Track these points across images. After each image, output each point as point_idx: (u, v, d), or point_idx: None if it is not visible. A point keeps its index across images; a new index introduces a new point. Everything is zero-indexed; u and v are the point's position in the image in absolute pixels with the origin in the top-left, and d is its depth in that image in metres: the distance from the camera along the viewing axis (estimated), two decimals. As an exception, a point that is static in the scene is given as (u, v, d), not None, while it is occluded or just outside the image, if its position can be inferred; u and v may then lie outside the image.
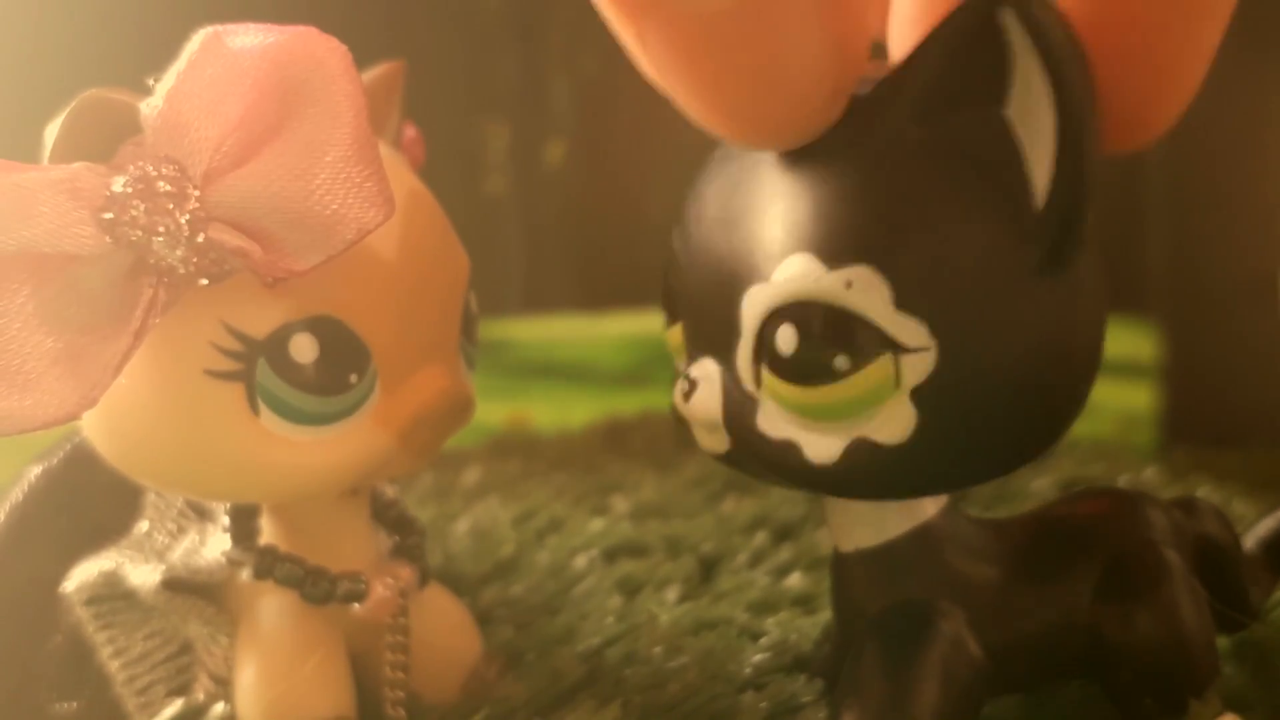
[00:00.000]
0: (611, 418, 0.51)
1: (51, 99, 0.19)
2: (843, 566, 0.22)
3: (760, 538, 0.34)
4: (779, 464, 0.19)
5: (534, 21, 0.58)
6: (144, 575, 0.23)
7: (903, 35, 0.19)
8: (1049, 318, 0.18)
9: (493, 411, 0.54)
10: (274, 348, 0.20)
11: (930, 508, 0.21)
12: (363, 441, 0.21)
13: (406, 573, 0.24)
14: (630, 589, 0.31)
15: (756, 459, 0.20)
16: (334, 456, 0.21)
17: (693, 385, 0.20)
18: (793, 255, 0.18)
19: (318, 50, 0.19)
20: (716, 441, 0.20)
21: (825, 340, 0.18)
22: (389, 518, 0.25)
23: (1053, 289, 0.17)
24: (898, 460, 0.18)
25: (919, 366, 0.17)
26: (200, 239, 0.18)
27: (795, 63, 0.17)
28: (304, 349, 0.20)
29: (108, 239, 0.18)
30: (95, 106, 0.19)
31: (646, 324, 0.56)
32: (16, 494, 0.26)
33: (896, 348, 0.17)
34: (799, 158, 0.19)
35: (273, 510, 0.23)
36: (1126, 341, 0.50)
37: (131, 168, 0.18)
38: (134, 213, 0.18)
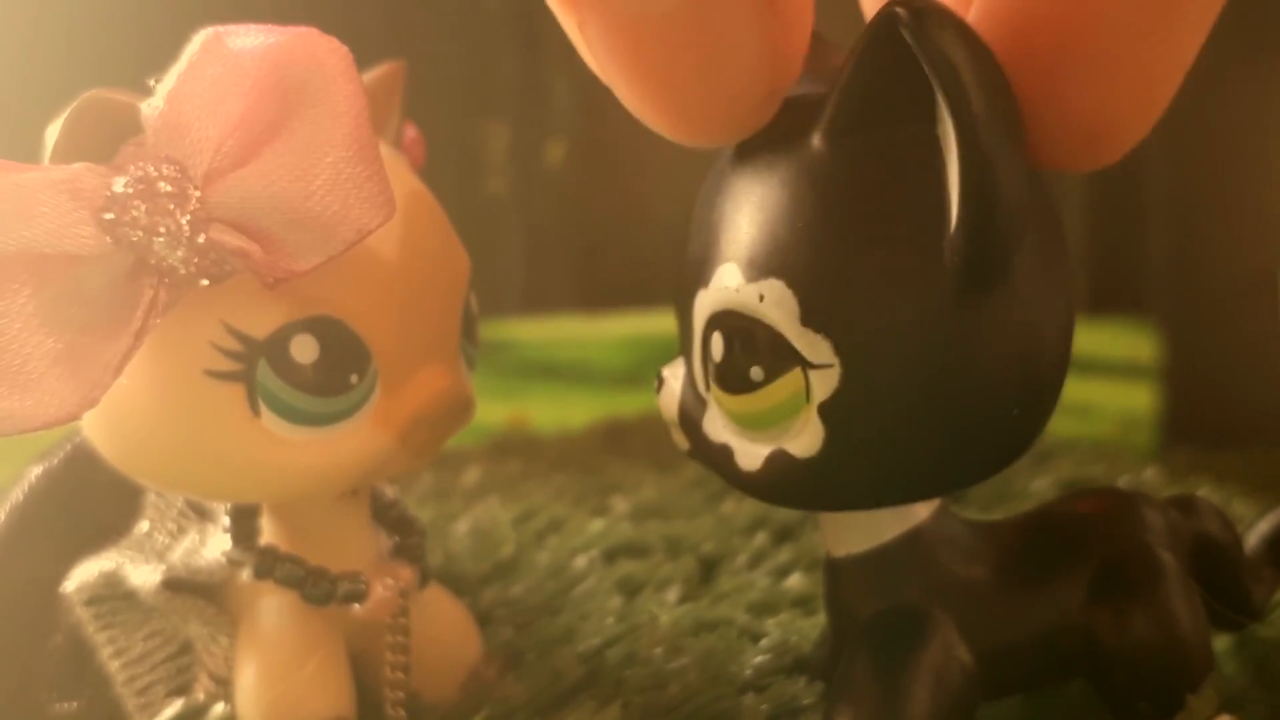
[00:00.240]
0: (612, 418, 0.51)
1: (52, 99, 0.19)
2: (835, 571, 0.22)
3: (760, 538, 0.34)
4: (719, 467, 0.20)
5: (534, 22, 0.58)
6: (144, 575, 0.23)
7: None
8: (968, 343, 0.17)
9: (493, 412, 0.54)
10: (274, 348, 0.20)
11: (922, 511, 0.21)
12: (363, 442, 0.21)
13: (407, 573, 0.24)
14: (630, 589, 0.31)
15: (705, 460, 0.20)
16: (334, 457, 0.21)
17: (661, 383, 0.21)
18: (724, 264, 0.18)
19: (318, 51, 0.19)
20: (680, 439, 0.21)
21: (743, 350, 0.18)
22: (389, 518, 0.25)
23: (973, 314, 0.17)
24: (811, 473, 0.18)
25: (826, 383, 0.17)
26: (201, 239, 0.18)
27: (730, 64, 0.17)
28: (304, 349, 0.20)
29: (108, 239, 0.18)
30: (96, 107, 0.19)
31: (647, 325, 0.56)
32: (17, 494, 0.26)
33: (805, 363, 0.17)
34: (743, 163, 0.19)
35: (273, 510, 0.23)
36: (1126, 342, 0.50)
37: (132, 168, 0.18)
38: (135, 213, 0.18)
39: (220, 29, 0.19)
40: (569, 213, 0.60)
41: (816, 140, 0.17)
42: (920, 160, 0.17)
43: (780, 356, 0.18)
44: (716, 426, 0.19)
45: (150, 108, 0.18)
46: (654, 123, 0.18)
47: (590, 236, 0.60)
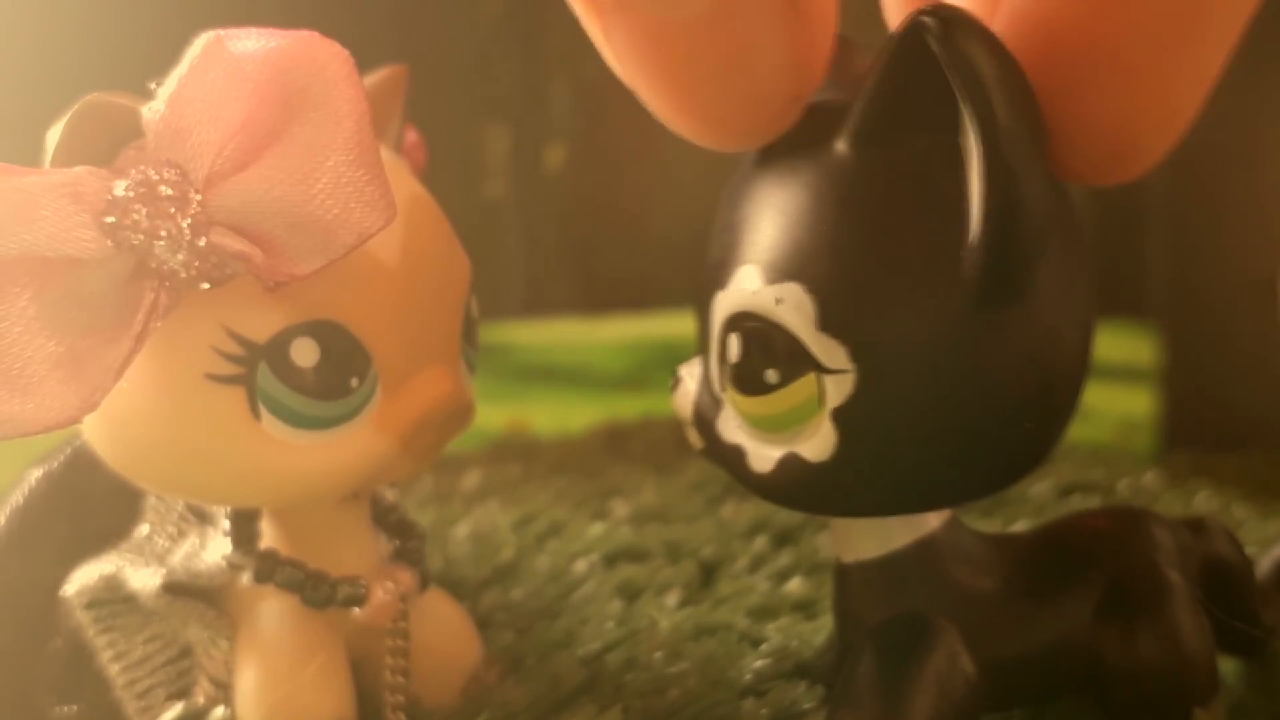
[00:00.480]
0: (612, 422, 0.51)
1: (53, 103, 0.19)
2: (844, 577, 0.22)
3: (760, 543, 0.34)
4: (731, 467, 0.20)
5: (534, 26, 0.58)
6: (144, 579, 0.23)
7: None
8: (988, 352, 0.17)
9: (493, 415, 0.54)
10: (275, 352, 0.20)
11: (933, 520, 0.21)
12: (363, 446, 0.21)
13: (407, 577, 0.24)
14: (630, 594, 0.31)
15: (719, 459, 0.20)
16: (335, 461, 0.21)
17: (678, 381, 0.21)
18: (743, 266, 0.18)
19: (320, 55, 0.19)
20: (694, 437, 0.21)
21: (759, 353, 0.18)
22: (389, 522, 0.25)
23: (994, 322, 0.17)
24: (822, 477, 0.18)
25: (840, 388, 0.17)
26: (202, 243, 0.18)
27: (754, 69, 0.17)
28: (305, 353, 0.20)
29: (109, 243, 0.18)
30: (97, 110, 0.19)
31: (647, 328, 0.56)
32: (17, 497, 0.26)
33: (820, 367, 0.17)
34: (766, 167, 0.19)
35: (273, 514, 0.23)
36: (1126, 346, 0.50)
37: (133, 172, 0.18)
38: (136, 217, 0.18)
39: (221, 32, 0.19)
40: (569, 216, 0.60)
41: (840, 146, 0.18)
42: (942, 170, 0.17)
43: (795, 360, 0.18)
44: (730, 427, 0.19)
45: (151, 111, 0.18)
46: (679, 127, 0.18)
47: (590, 240, 0.60)
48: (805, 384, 0.18)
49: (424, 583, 0.24)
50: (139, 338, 0.18)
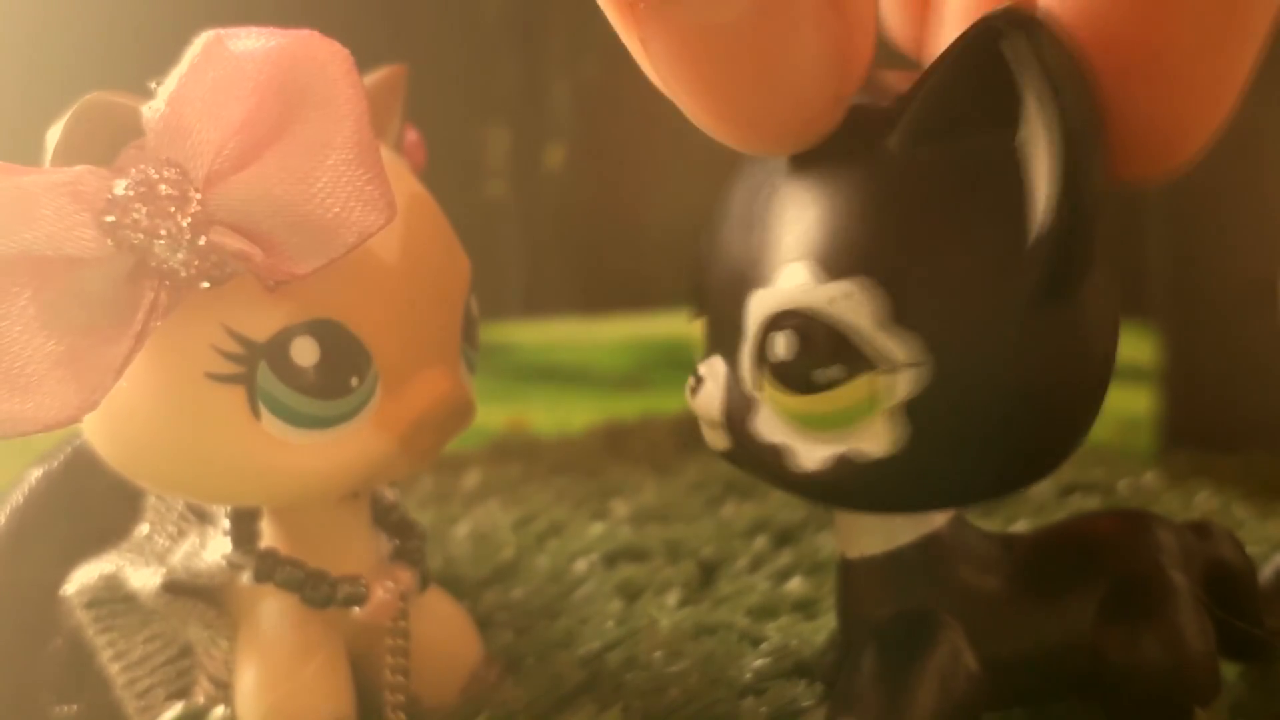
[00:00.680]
0: (611, 421, 0.51)
1: (53, 102, 0.19)
2: (848, 573, 0.22)
3: (760, 542, 0.34)
4: (770, 467, 0.19)
5: (534, 26, 0.58)
6: (144, 578, 0.23)
7: (946, 39, 0.19)
8: (1045, 346, 0.17)
9: (493, 415, 0.54)
10: (275, 351, 0.20)
11: (939, 518, 0.21)
12: (363, 445, 0.21)
13: (407, 576, 0.24)
14: (630, 593, 0.31)
15: (751, 460, 0.20)
16: (335, 460, 0.21)
17: (699, 382, 0.20)
18: (792, 263, 0.18)
19: (319, 54, 0.19)
20: (718, 439, 0.20)
21: (814, 350, 0.18)
22: (389, 521, 0.25)
23: (1051, 317, 0.17)
24: (882, 474, 0.18)
25: (904, 383, 0.17)
26: (202, 242, 0.18)
27: (796, 71, 0.17)
28: (305, 352, 0.20)
29: (109, 242, 0.18)
30: (97, 109, 0.19)
31: (646, 327, 0.56)
32: (17, 497, 0.26)
33: (880, 363, 0.17)
34: (808, 166, 0.19)
35: (273, 513, 0.23)
36: (1126, 346, 0.50)
37: (133, 171, 0.18)
38: (135, 216, 0.18)
39: (221, 32, 0.19)
40: (569, 216, 0.60)
41: (893, 144, 0.18)
42: (998, 166, 0.17)
43: (852, 357, 0.18)
44: (770, 426, 0.19)
45: (151, 110, 0.18)
46: (720, 134, 0.18)
47: (590, 240, 0.60)
48: (864, 381, 0.18)
49: (424, 582, 0.24)
50: (139, 337, 0.18)
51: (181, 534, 0.24)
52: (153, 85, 0.19)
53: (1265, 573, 0.25)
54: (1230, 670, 0.24)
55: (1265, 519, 0.35)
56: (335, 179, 0.18)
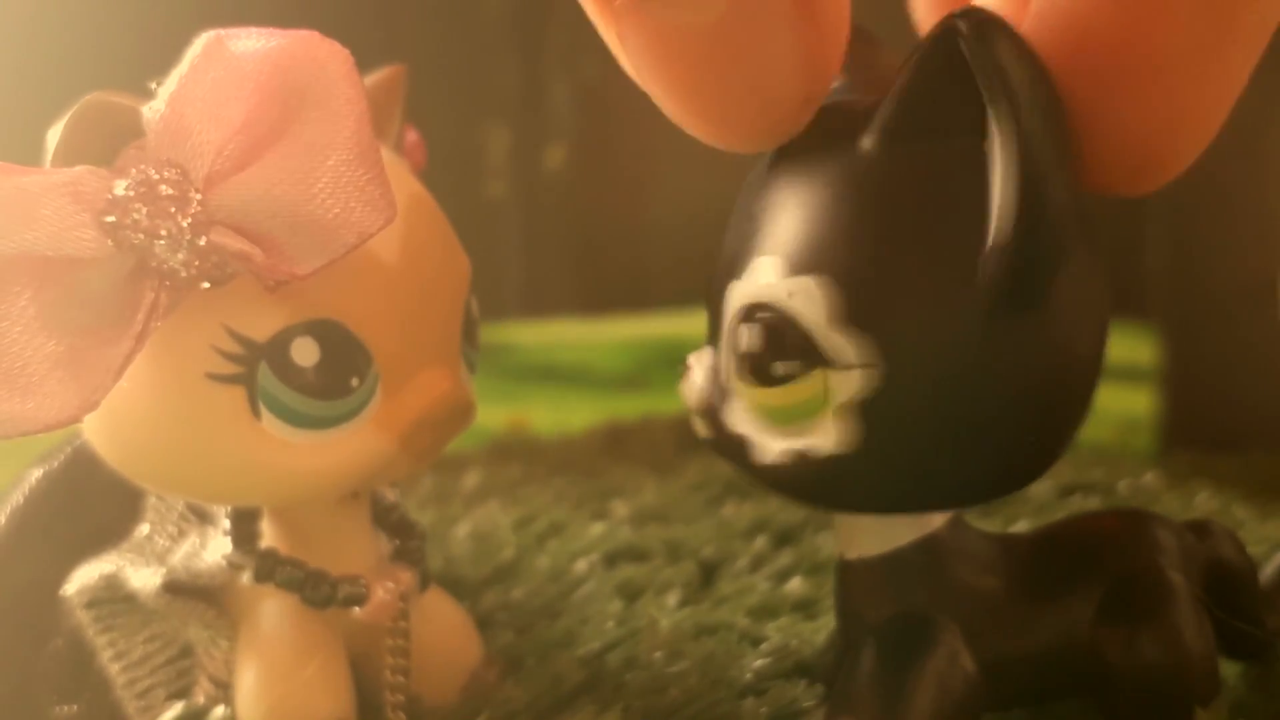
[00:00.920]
0: (612, 422, 0.51)
1: (53, 102, 0.19)
2: (846, 574, 0.22)
3: (761, 542, 0.34)
4: (738, 458, 0.20)
5: (534, 26, 0.58)
6: (144, 578, 0.23)
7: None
8: (1009, 353, 0.17)
9: (493, 415, 0.54)
10: (275, 351, 0.20)
11: (937, 519, 0.21)
12: (364, 445, 0.21)
13: (407, 576, 0.24)
14: (630, 594, 0.31)
15: (724, 449, 0.20)
16: (335, 460, 0.21)
17: (687, 369, 0.21)
18: (761, 257, 0.18)
19: (320, 54, 0.19)
20: (701, 427, 0.20)
21: (774, 343, 0.18)
22: (389, 521, 0.25)
23: (1015, 325, 0.17)
24: (836, 472, 0.18)
25: (855, 382, 0.17)
26: (202, 242, 0.18)
27: (767, 72, 0.18)
28: (305, 352, 0.20)
29: (109, 242, 0.18)
30: (97, 110, 0.19)
31: (647, 327, 0.56)
32: (17, 497, 0.26)
33: (834, 361, 0.17)
34: (789, 162, 0.19)
35: (274, 514, 0.23)
36: (1126, 346, 0.50)
37: (133, 171, 0.18)
38: (136, 216, 0.18)
39: (221, 32, 0.19)
40: (569, 216, 0.60)
41: (865, 144, 0.18)
42: (968, 172, 0.17)
43: (807, 353, 0.18)
44: (737, 417, 0.19)
45: (151, 111, 0.18)
46: (693, 129, 0.19)
47: (590, 239, 0.60)
48: (815, 377, 0.18)
49: (424, 582, 0.24)
50: (139, 337, 0.18)
51: (181, 534, 0.24)
52: (153, 85, 0.19)
53: (1265, 572, 0.25)
54: (1230, 670, 0.24)
55: (1265, 519, 0.35)
56: (336, 179, 0.18)
